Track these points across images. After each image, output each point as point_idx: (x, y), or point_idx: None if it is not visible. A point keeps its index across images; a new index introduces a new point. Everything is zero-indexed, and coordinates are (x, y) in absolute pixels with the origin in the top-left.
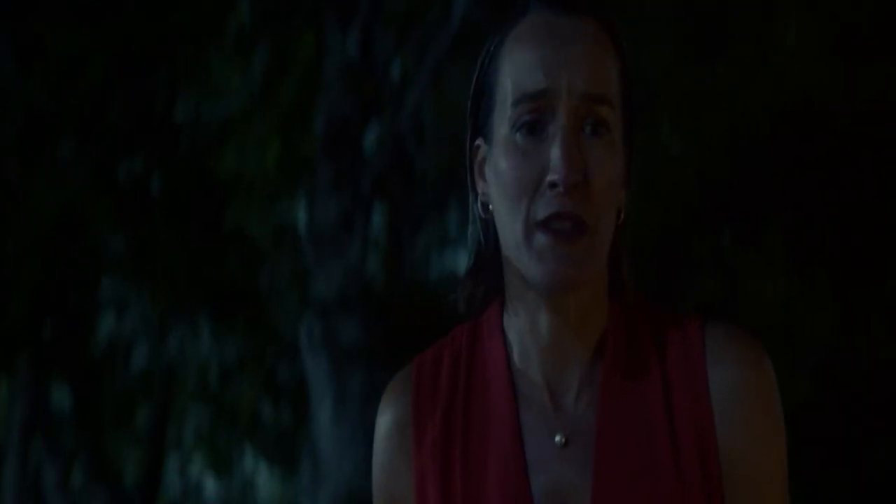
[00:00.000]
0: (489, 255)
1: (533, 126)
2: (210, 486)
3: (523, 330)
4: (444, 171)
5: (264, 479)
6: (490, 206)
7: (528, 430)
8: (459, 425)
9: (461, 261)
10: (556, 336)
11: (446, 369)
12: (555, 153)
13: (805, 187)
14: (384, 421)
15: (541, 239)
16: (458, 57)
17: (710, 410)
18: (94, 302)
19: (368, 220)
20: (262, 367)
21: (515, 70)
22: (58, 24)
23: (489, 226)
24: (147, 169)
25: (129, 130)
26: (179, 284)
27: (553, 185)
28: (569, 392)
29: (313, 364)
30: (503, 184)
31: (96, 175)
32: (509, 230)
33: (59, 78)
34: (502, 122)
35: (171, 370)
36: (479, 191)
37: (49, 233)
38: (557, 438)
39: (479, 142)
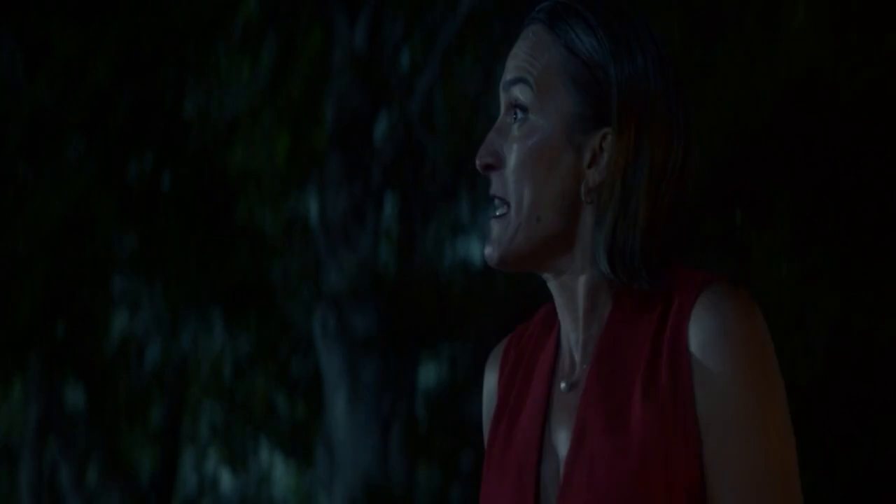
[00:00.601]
0: None
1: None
2: (226, 480)
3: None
4: (455, 160)
5: (280, 471)
6: None
7: (556, 381)
8: (518, 381)
9: (473, 249)
10: (558, 305)
11: (532, 334)
12: None
13: (816, 165)
14: (484, 384)
15: None
16: (466, 45)
17: (689, 363)
18: (107, 300)
19: (380, 210)
20: (275, 360)
21: None
22: (64, 22)
23: None
24: (156, 166)
25: (137, 128)
26: (191, 280)
27: None
28: (578, 349)
29: (327, 355)
30: None
31: (105, 173)
32: None
33: (66, 76)
34: None
35: (185, 366)
36: None
37: (59, 231)
38: (562, 385)
39: None
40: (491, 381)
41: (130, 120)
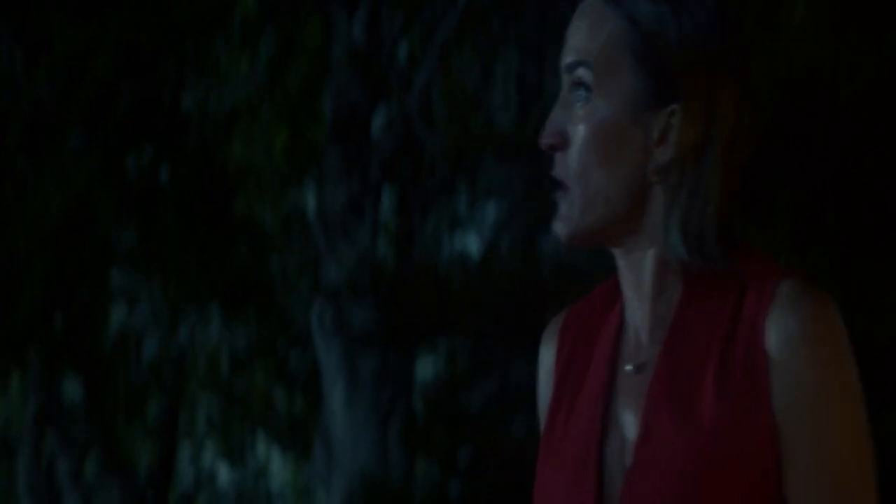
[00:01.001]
0: None
1: None
2: (223, 474)
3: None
4: (454, 154)
5: (278, 465)
6: None
7: (619, 361)
8: (578, 359)
9: (471, 243)
10: (625, 283)
11: (592, 311)
12: None
13: (816, 165)
14: (540, 361)
15: None
16: (465, 38)
17: (766, 362)
18: (105, 294)
19: (378, 204)
20: (273, 354)
21: None
22: (63, 18)
23: None
24: (155, 160)
25: (136, 122)
26: (190, 274)
27: None
28: (645, 330)
29: (325, 349)
30: None
31: (104, 168)
32: None
33: (65, 73)
34: None
35: (183, 360)
36: None
37: (58, 226)
38: (628, 367)
39: None
40: (548, 358)
41: (130, 115)
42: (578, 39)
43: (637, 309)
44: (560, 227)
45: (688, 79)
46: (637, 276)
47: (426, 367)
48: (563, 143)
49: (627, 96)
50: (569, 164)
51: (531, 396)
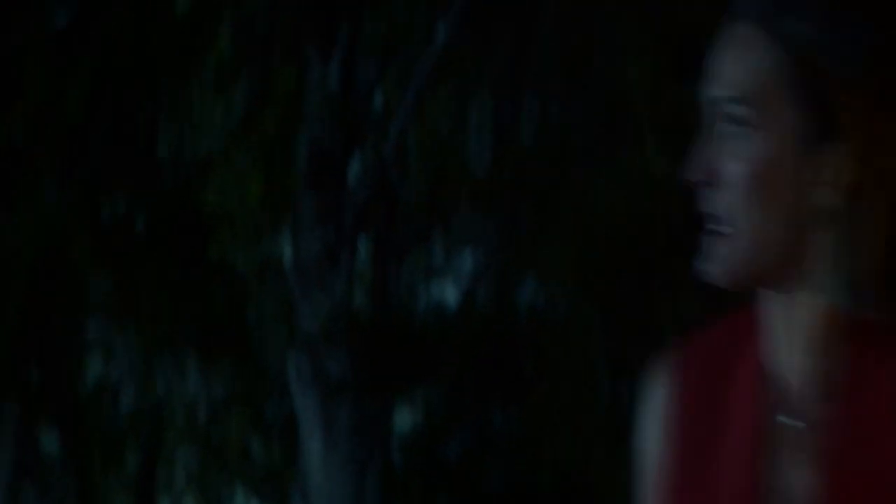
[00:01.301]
0: None
1: None
2: None
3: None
4: (429, 202)
5: None
6: None
7: (769, 411)
8: (707, 402)
9: (447, 291)
10: (775, 328)
11: (718, 350)
12: None
13: None
14: (648, 400)
15: None
16: (440, 85)
17: None
18: (81, 344)
19: (353, 252)
20: (250, 404)
21: None
22: (36, 62)
23: None
24: (130, 206)
25: (111, 168)
26: (165, 320)
27: None
28: (803, 381)
29: (301, 398)
30: None
31: (79, 215)
32: None
33: (38, 117)
34: None
35: (160, 411)
36: None
37: (33, 275)
38: (785, 419)
39: None
40: (661, 397)
41: (104, 160)
42: (729, 70)
43: (789, 357)
44: (716, 272)
45: (851, 113)
46: (794, 323)
47: (403, 417)
48: (714, 180)
49: (785, 133)
50: (723, 204)
51: (509, 446)
